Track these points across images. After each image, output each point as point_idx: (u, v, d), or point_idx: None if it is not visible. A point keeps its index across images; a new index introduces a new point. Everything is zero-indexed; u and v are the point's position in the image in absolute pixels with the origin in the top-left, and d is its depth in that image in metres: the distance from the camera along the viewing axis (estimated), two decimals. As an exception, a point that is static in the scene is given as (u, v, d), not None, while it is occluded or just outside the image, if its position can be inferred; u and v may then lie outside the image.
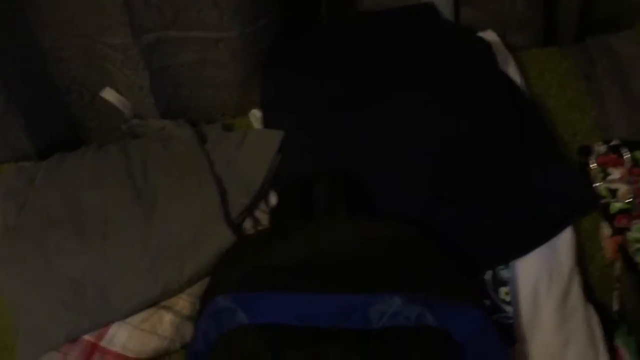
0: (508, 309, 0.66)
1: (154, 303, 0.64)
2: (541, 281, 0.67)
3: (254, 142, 0.73)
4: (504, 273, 0.66)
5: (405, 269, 0.54)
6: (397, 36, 0.76)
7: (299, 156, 0.69)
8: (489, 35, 0.79)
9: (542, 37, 0.82)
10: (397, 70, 0.73)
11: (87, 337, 0.63)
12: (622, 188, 0.69)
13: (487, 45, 0.76)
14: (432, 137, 0.69)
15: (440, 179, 0.66)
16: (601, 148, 0.70)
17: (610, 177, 0.70)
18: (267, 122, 0.75)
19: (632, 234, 0.67)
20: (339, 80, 0.73)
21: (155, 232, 0.66)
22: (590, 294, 0.70)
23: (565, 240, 0.68)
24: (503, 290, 0.66)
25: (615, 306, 0.64)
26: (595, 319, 0.69)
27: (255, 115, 0.77)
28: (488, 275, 0.66)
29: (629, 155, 0.69)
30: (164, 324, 0.64)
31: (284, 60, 0.77)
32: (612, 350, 0.64)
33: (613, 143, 0.70)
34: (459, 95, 0.72)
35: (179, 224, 0.66)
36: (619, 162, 0.70)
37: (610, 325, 0.66)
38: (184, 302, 0.66)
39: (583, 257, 0.71)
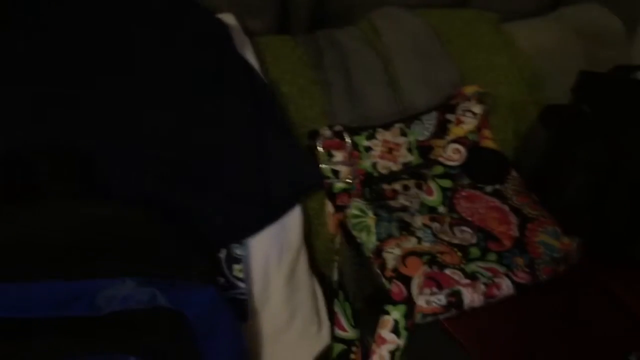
0: (242, 285, 0.68)
1: None
2: (271, 258, 0.71)
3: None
4: (237, 251, 0.68)
5: (134, 252, 0.52)
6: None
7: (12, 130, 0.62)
8: (228, 18, 0.80)
9: (278, 25, 0.86)
10: (130, 40, 0.70)
11: None
12: (344, 169, 0.76)
13: (226, 27, 0.77)
14: (167, 117, 0.68)
15: (173, 159, 0.65)
16: (327, 133, 0.76)
17: (334, 159, 0.76)
18: None
19: (351, 211, 0.74)
20: (51, 42, 0.66)
21: None
22: (316, 267, 0.77)
23: (294, 218, 0.73)
24: (236, 267, 0.68)
25: (335, 276, 0.71)
26: (319, 290, 0.76)
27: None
28: (222, 253, 0.68)
29: (350, 141, 0.77)
30: None
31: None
32: (332, 316, 0.70)
33: (336, 129, 0.76)
34: (200, 76, 0.72)
35: None
36: (341, 146, 0.77)
37: (331, 293, 0.72)
38: None
39: (310, 233, 0.77)
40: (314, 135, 0.77)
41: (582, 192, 0.77)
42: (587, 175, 0.77)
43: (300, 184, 0.74)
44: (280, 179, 0.72)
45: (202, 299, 0.55)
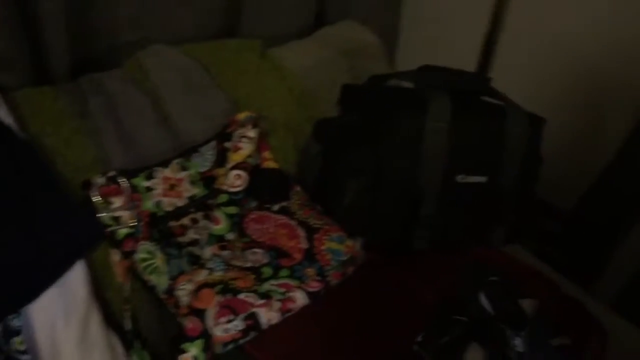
0: (24, 358, 0.63)
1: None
2: (57, 322, 0.66)
3: None
4: (14, 322, 0.63)
5: None
6: None
7: None
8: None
9: (35, 76, 0.82)
10: None
11: None
12: (125, 214, 0.74)
13: None
14: None
15: None
16: (100, 180, 0.74)
17: (113, 206, 0.74)
18: None
19: (139, 255, 0.72)
20: None
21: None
22: (113, 320, 0.74)
23: (77, 275, 0.69)
24: (17, 340, 0.63)
25: (128, 325, 0.68)
26: (118, 344, 0.73)
27: None
28: (-2, 328, 0.62)
29: (127, 184, 0.75)
30: None
31: None
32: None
33: (109, 174, 0.74)
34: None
35: None
36: (119, 191, 0.75)
37: (126, 344, 0.70)
38: None
39: (100, 287, 0.73)
40: (88, 185, 0.74)
41: (356, 196, 0.83)
42: (359, 181, 0.83)
43: (77, 240, 0.70)
44: (54, 239, 0.68)
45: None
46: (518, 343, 0.68)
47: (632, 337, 0.95)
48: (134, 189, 0.76)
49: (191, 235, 0.77)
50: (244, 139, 0.84)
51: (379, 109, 0.84)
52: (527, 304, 0.76)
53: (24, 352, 0.63)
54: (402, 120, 0.80)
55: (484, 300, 0.74)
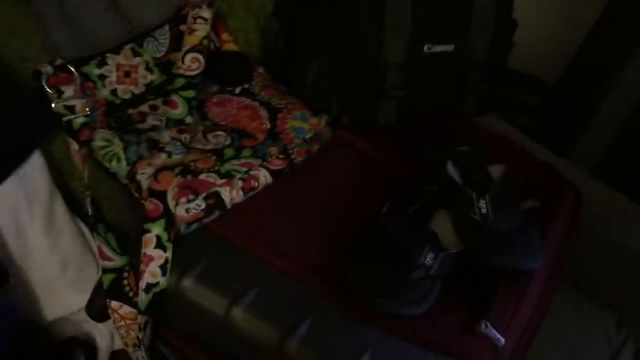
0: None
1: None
2: (20, 211, 0.67)
3: None
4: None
5: None
6: None
7: None
8: None
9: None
10: None
11: None
12: (78, 103, 0.72)
13: None
14: None
15: None
16: (48, 69, 0.71)
17: (65, 95, 0.72)
18: None
19: (97, 143, 0.71)
20: None
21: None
22: (77, 209, 0.74)
23: (35, 165, 0.69)
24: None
25: (90, 211, 0.68)
26: (86, 231, 0.73)
27: None
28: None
29: (77, 73, 0.72)
30: None
31: None
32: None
33: (57, 63, 0.72)
34: None
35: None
36: (70, 80, 0.72)
37: (90, 228, 0.70)
38: None
39: (62, 176, 0.73)
40: (37, 75, 0.72)
41: (320, 72, 0.81)
42: (321, 57, 0.81)
43: (31, 130, 0.69)
44: (7, 129, 0.67)
45: None
46: (482, 205, 0.68)
47: (611, 200, 0.96)
48: (86, 77, 0.74)
49: (150, 121, 0.75)
50: (198, 20, 0.80)
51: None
52: (495, 170, 0.75)
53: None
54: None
55: (451, 169, 0.74)
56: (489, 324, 0.60)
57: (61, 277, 0.70)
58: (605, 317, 0.89)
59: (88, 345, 0.73)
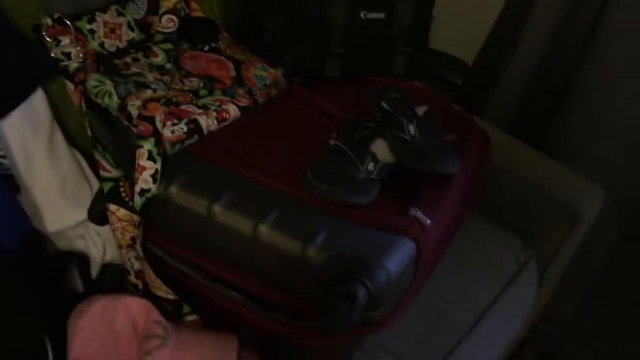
0: (4, 162, 0.75)
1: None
2: (27, 136, 0.79)
3: None
4: (-9, 133, 0.75)
5: None
6: None
7: None
8: None
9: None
10: None
11: None
12: (74, 50, 0.85)
13: None
14: None
15: None
16: (48, 21, 0.84)
17: (62, 44, 0.85)
18: None
19: (90, 83, 0.84)
20: None
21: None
22: (73, 142, 0.86)
23: (39, 99, 0.81)
24: (-4, 146, 0.75)
25: (90, 133, 0.81)
26: (82, 158, 0.86)
27: None
28: None
29: (71, 25, 0.86)
30: None
31: None
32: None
33: (56, 16, 0.85)
34: None
35: None
36: (65, 31, 0.85)
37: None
38: None
39: (59, 113, 0.85)
40: (38, 27, 0.84)
41: (275, 34, 0.97)
42: (279, 20, 0.97)
43: (35, 68, 0.82)
44: (15, 71, 0.79)
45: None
46: (411, 128, 0.85)
47: (516, 146, 1.16)
48: (79, 31, 0.87)
49: (133, 69, 0.89)
50: (172, -11, 0.95)
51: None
52: (420, 109, 0.93)
53: (2, 157, 0.75)
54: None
55: (385, 105, 0.90)
56: (418, 209, 0.77)
57: (61, 194, 0.82)
58: (513, 239, 1.08)
59: (81, 258, 0.85)
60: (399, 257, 0.73)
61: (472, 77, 1.31)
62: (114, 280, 0.86)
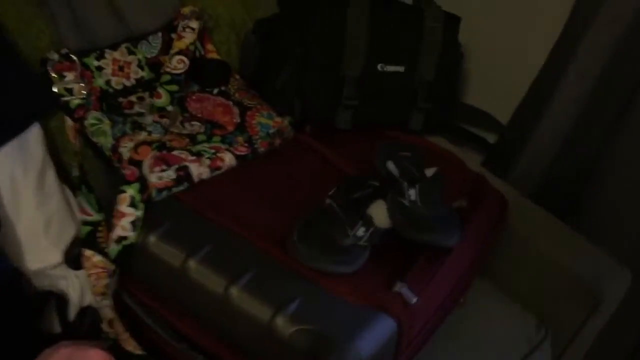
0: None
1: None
2: (16, 173, 0.78)
3: None
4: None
5: None
6: None
7: None
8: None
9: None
10: None
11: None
12: (76, 87, 0.85)
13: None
14: None
15: None
16: (55, 56, 0.84)
17: (66, 80, 0.84)
18: None
19: (89, 121, 0.83)
20: None
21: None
22: (68, 182, 0.85)
23: (34, 135, 0.80)
24: None
25: (76, 172, 0.80)
26: (72, 197, 0.84)
27: None
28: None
29: (78, 61, 0.85)
30: None
31: None
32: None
33: (63, 52, 0.85)
34: None
35: None
36: (72, 67, 0.85)
37: (73, 188, 0.82)
38: None
39: (56, 149, 0.85)
40: (45, 62, 0.84)
41: (287, 79, 0.94)
42: (289, 67, 0.94)
43: (35, 103, 0.81)
44: (13, 103, 0.79)
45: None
46: (412, 193, 0.79)
47: (538, 215, 1.07)
48: (86, 67, 0.87)
49: (137, 109, 0.88)
50: (187, 29, 0.94)
51: (305, 3, 0.94)
52: (429, 171, 0.87)
53: (-13, 193, 0.74)
54: (325, 10, 0.91)
55: (391, 166, 0.85)
56: (405, 285, 0.71)
57: (45, 233, 0.80)
58: (526, 317, 1.00)
59: (60, 298, 0.83)
60: (375, 336, 0.68)
61: (505, 138, 1.24)
62: (93, 324, 0.83)
